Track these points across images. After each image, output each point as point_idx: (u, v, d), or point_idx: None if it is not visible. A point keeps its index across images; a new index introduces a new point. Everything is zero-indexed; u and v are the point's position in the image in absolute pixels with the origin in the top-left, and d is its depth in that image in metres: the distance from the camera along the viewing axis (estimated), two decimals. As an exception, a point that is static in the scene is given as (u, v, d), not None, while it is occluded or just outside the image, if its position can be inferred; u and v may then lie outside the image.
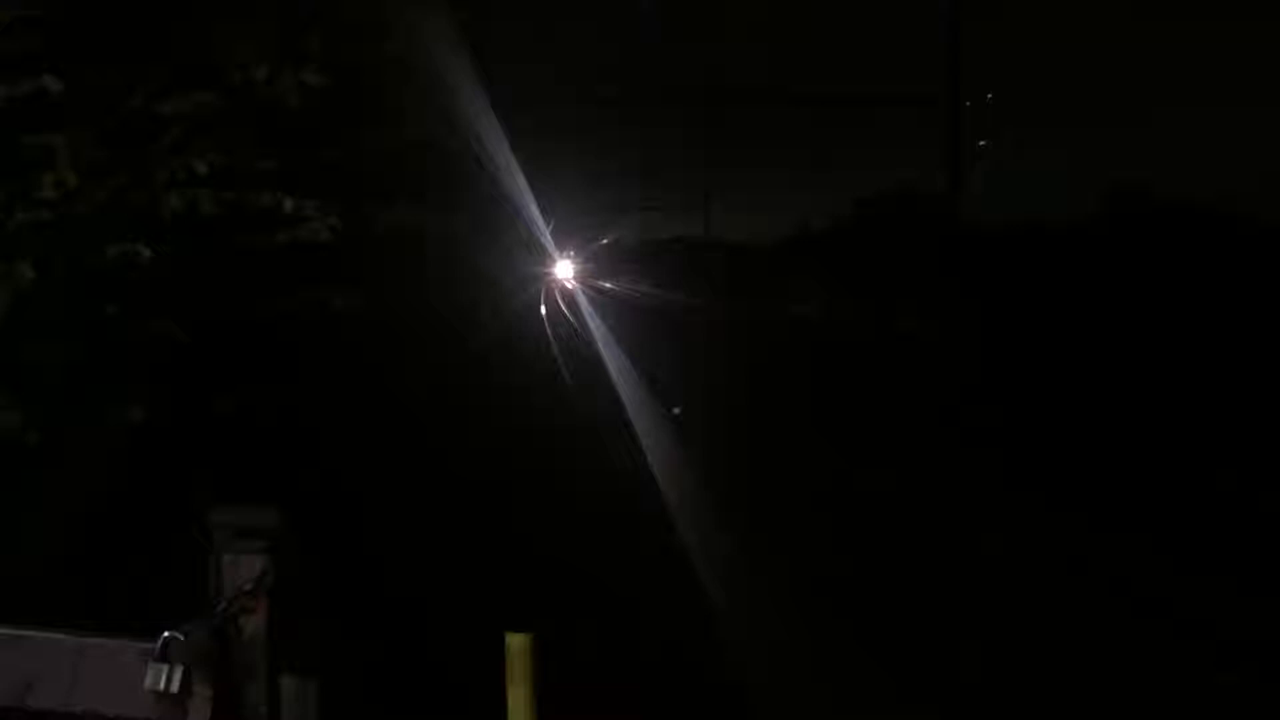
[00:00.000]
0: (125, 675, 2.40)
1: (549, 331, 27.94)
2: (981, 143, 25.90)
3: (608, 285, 56.21)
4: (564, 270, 56.99)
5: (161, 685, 2.36)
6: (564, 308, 40.20)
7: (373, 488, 7.07)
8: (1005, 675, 5.45)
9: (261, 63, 4.58)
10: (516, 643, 2.57)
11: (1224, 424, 12.58)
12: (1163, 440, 12.06)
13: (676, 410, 15.78)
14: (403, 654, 5.26)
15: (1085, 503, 9.34)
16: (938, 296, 25.03)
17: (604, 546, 7.77)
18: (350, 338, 6.33)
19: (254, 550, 2.60)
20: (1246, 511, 8.96)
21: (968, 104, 24.47)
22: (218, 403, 5.23)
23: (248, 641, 2.51)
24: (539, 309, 42.02)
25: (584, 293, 52.54)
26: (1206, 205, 24.82)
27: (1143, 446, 11.89)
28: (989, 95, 25.67)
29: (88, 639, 2.47)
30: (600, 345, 26.44)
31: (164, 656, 2.38)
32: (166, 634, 2.40)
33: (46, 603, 3.61)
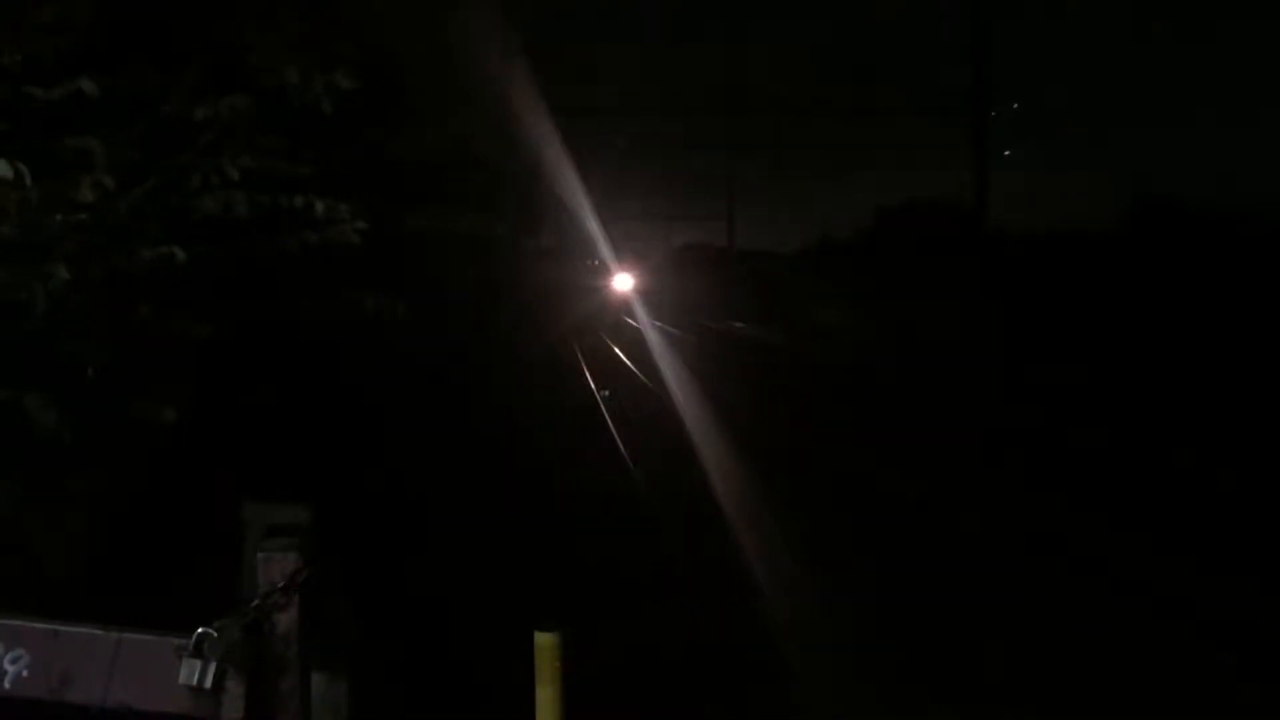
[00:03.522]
0: (160, 670, 2.43)
1: (575, 349, 25.34)
2: (1006, 153, 25.60)
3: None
4: (622, 282, 46.26)
5: (195, 680, 2.39)
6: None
7: (402, 487, 7.11)
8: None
9: (293, 66, 4.60)
10: (545, 641, 2.58)
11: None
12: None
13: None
14: (432, 651, 5.29)
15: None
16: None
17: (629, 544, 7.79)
18: (381, 339, 6.37)
19: (286, 548, 2.63)
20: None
21: (993, 114, 24.17)
22: (251, 400, 5.28)
23: (280, 638, 2.54)
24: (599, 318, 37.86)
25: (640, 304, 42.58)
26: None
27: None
28: (1015, 105, 25.37)
29: (124, 634, 2.50)
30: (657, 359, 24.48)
31: (198, 652, 2.41)
32: (201, 630, 2.43)
33: (82, 598, 3.66)
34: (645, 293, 47.03)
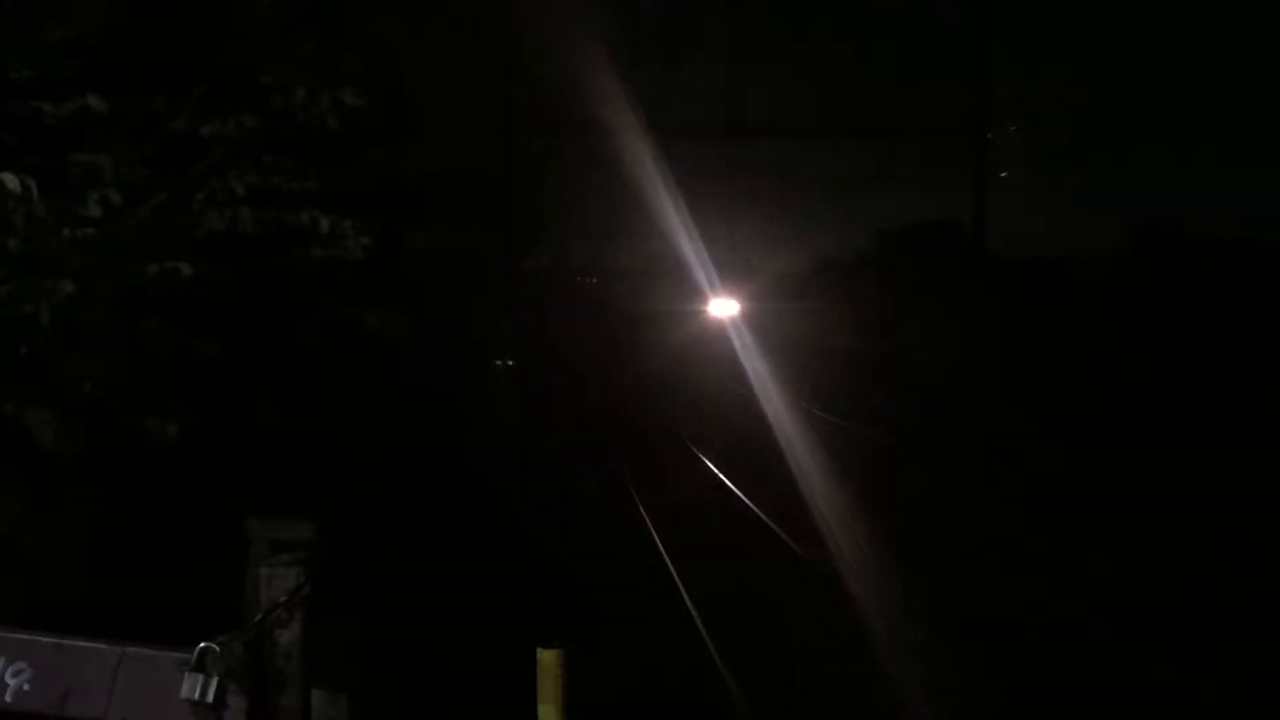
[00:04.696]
0: (162, 685, 2.43)
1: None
2: (1003, 174, 25.44)
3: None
4: (724, 308, 28.35)
5: (197, 695, 2.39)
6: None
7: (403, 502, 7.10)
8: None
9: (301, 85, 4.64)
10: (547, 658, 2.58)
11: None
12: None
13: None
14: (433, 666, 5.28)
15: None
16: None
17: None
18: (383, 355, 6.38)
19: (289, 564, 2.64)
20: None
21: (990, 136, 24.13)
22: (255, 416, 5.28)
23: (283, 654, 2.54)
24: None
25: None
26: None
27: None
28: (1013, 128, 25.34)
29: (126, 648, 2.50)
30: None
31: (201, 667, 2.41)
32: (203, 645, 2.43)
33: (84, 613, 3.66)
34: (753, 321, 28.04)
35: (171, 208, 4.41)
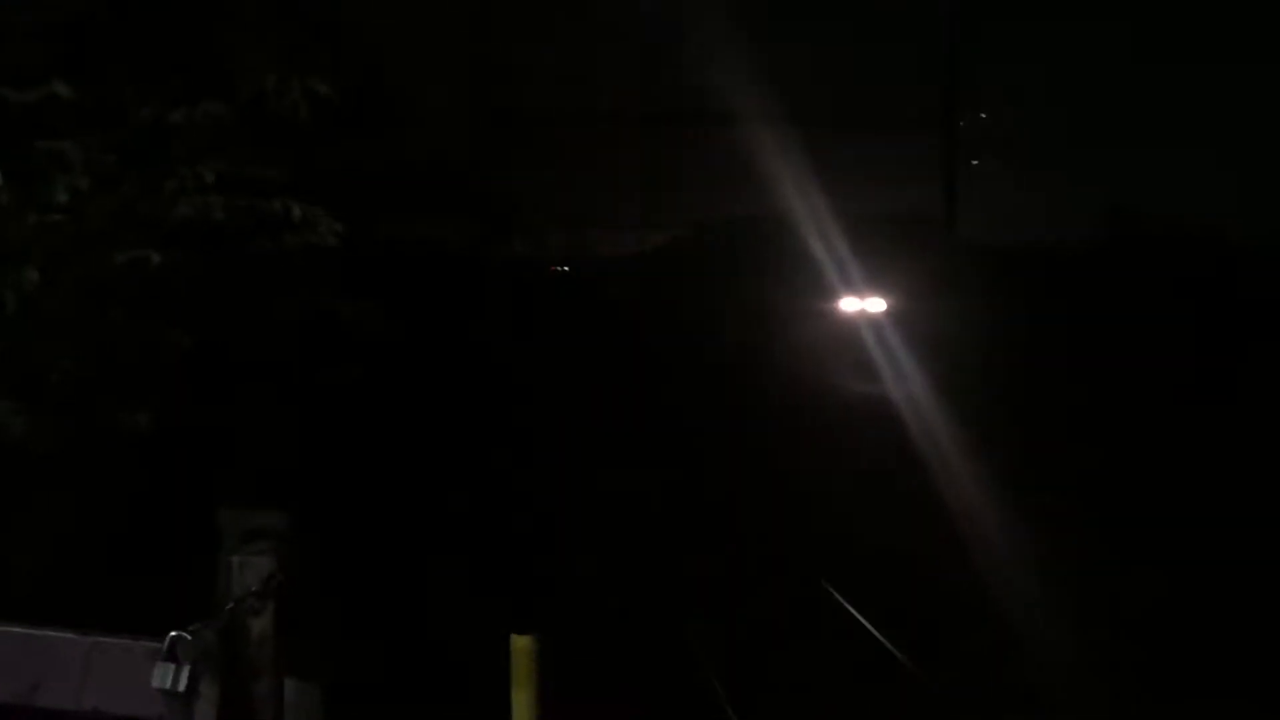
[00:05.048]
0: (133, 674, 2.42)
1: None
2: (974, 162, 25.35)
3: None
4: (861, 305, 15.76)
5: (169, 684, 2.38)
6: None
7: (380, 493, 7.08)
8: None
9: (270, 73, 4.60)
10: (521, 645, 2.58)
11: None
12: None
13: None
14: (408, 655, 5.27)
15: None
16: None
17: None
18: (355, 345, 6.34)
19: (262, 553, 2.63)
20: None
21: (961, 124, 24.07)
22: (225, 407, 5.24)
23: (255, 642, 2.53)
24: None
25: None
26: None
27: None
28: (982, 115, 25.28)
29: (97, 639, 2.49)
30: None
31: (172, 656, 2.40)
32: (174, 634, 2.42)
33: (56, 606, 3.63)
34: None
35: (140, 195, 4.37)
